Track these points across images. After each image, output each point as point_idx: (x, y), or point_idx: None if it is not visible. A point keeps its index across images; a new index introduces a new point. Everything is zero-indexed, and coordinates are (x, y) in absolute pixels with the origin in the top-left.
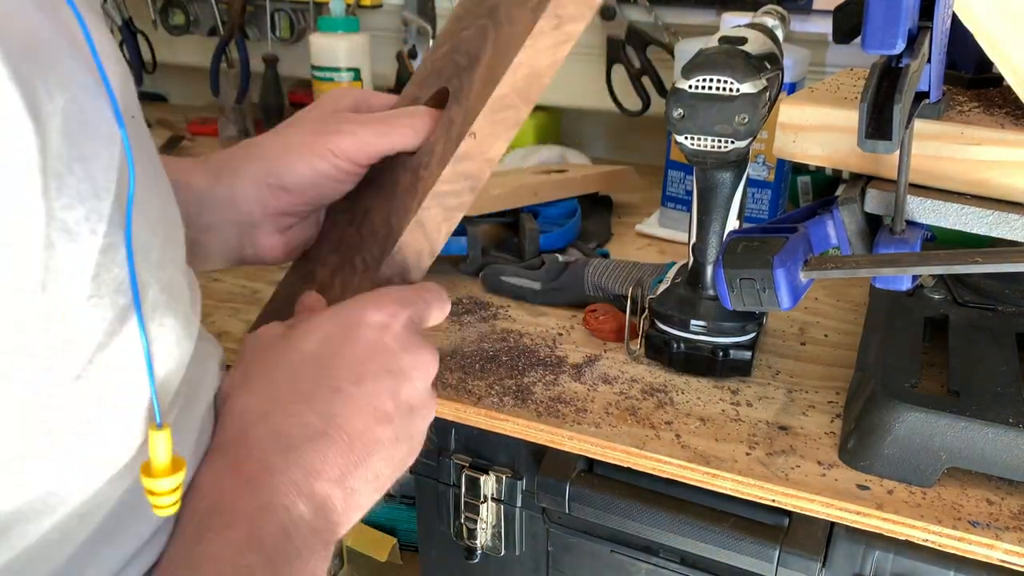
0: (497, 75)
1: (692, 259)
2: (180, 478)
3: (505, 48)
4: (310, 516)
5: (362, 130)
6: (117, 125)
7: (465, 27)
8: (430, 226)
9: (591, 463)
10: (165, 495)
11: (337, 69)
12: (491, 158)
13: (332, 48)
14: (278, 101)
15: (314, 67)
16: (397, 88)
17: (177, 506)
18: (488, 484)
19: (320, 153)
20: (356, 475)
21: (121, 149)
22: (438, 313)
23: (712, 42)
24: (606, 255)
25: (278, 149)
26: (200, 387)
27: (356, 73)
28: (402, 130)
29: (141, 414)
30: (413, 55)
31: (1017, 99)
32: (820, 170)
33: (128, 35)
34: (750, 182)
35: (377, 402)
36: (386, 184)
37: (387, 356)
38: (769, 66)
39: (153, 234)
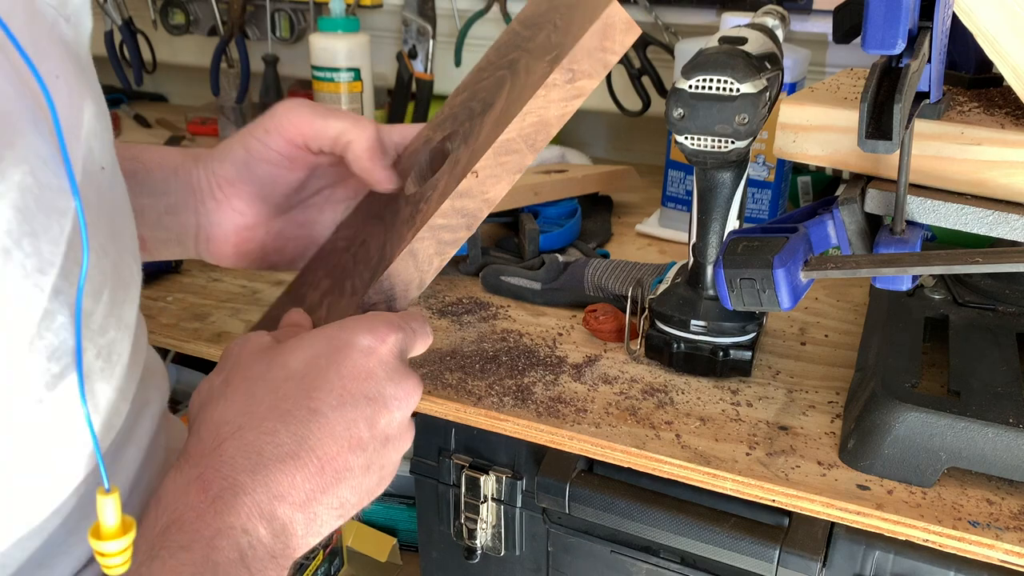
0: (506, 120)
1: (692, 259)
2: (129, 539)
3: (518, 96)
4: (269, 540)
5: (299, 107)
6: (73, 198)
7: (485, 77)
8: (422, 257)
9: (591, 463)
10: (114, 555)
11: (337, 69)
12: (490, 199)
13: (332, 48)
14: (278, 101)
15: (314, 67)
16: (397, 89)
17: (127, 566)
18: (488, 484)
19: (255, 133)
20: (321, 501)
21: (74, 221)
22: (422, 344)
23: (712, 42)
24: (606, 255)
25: (239, 139)
26: (132, 434)
27: (356, 73)
28: (346, 116)
29: (65, 475)
30: (413, 55)
31: (1017, 99)
32: (820, 170)
33: (128, 35)
34: (750, 182)
35: (353, 429)
36: (387, 216)
37: (371, 382)
38: (769, 66)
39: (96, 300)
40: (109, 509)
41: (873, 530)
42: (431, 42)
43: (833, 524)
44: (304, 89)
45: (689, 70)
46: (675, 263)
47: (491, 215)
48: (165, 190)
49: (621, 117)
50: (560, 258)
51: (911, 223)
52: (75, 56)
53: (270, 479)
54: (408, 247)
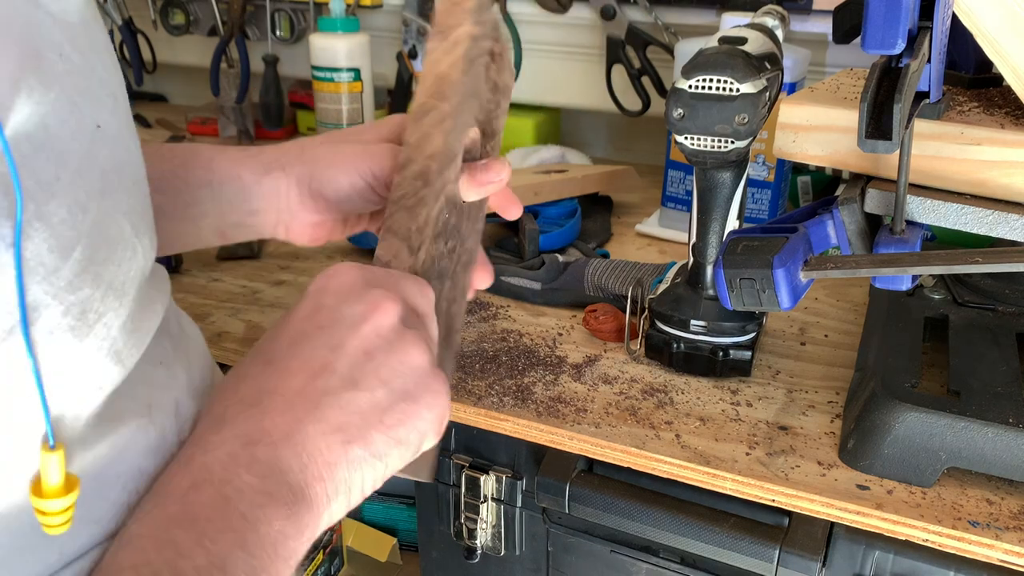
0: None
1: (692, 259)
2: (72, 499)
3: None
4: (258, 482)
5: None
6: None
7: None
8: (398, 228)
9: (591, 463)
10: (55, 515)
11: (337, 69)
12: (432, 153)
13: (332, 48)
14: (278, 101)
15: (314, 67)
16: (397, 89)
17: (68, 526)
18: (488, 484)
19: (361, 172)
20: (306, 431)
21: (1, 163)
22: (413, 288)
23: (712, 42)
24: (606, 255)
25: (327, 159)
26: (160, 415)
27: (356, 73)
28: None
29: (30, 437)
30: (413, 55)
31: (1017, 99)
32: (820, 170)
33: (128, 35)
34: (750, 182)
35: (312, 359)
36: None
37: (321, 313)
38: (769, 66)
39: (63, 256)
40: (53, 466)
41: (873, 530)
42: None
43: (833, 524)
44: (304, 89)
45: (689, 70)
46: (675, 263)
47: (491, 215)
48: (250, 195)
49: (621, 117)
50: (560, 258)
51: (911, 223)
52: (46, 11)
53: (236, 429)
54: (385, 227)
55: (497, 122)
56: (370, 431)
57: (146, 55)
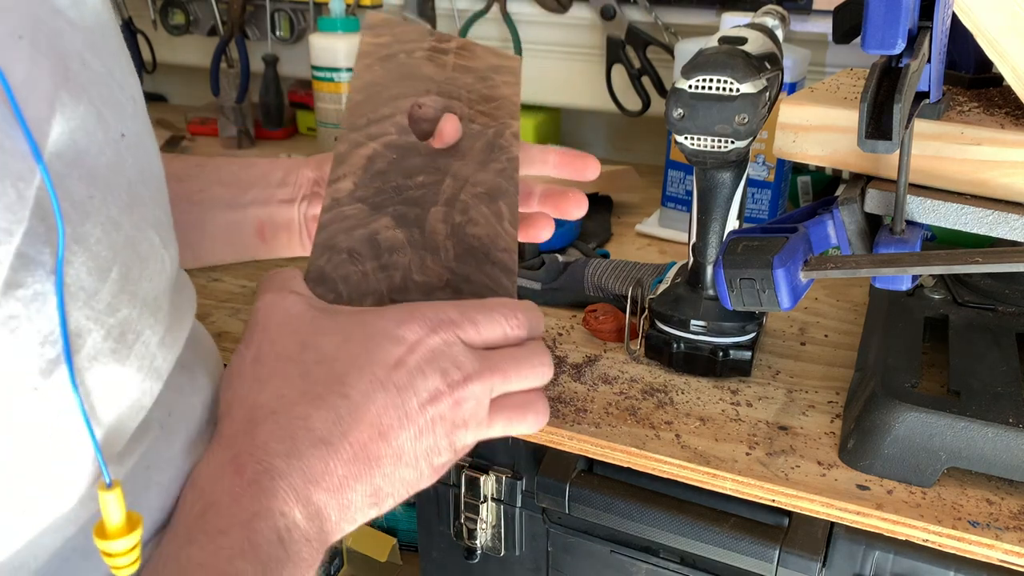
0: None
1: (692, 259)
2: (136, 537)
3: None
4: (304, 524)
5: None
6: (34, 160)
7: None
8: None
9: (591, 463)
10: (122, 555)
11: (337, 69)
12: (344, 114)
13: (332, 48)
14: (278, 101)
15: (314, 67)
16: None
17: (136, 565)
18: (488, 484)
19: None
20: (354, 487)
21: (39, 187)
22: (490, 328)
23: (712, 42)
24: (606, 255)
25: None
26: (181, 421)
27: None
28: None
29: (80, 466)
30: None
31: (1017, 99)
32: (820, 170)
33: (128, 35)
34: (750, 182)
35: (384, 416)
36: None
37: (400, 371)
38: (769, 66)
39: (101, 278)
40: (112, 505)
41: (873, 530)
42: None
43: (833, 524)
44: (304, 89)
45: (689, 70)
46: (675, 263)
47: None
48: (282, 182)
49: (621, 117)
50: (560, 258)
51: (911, 223)
52: (66, 19)
53: (305, 464)
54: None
55: (491, 92)
56: (396, 498)
57: (146, 55)
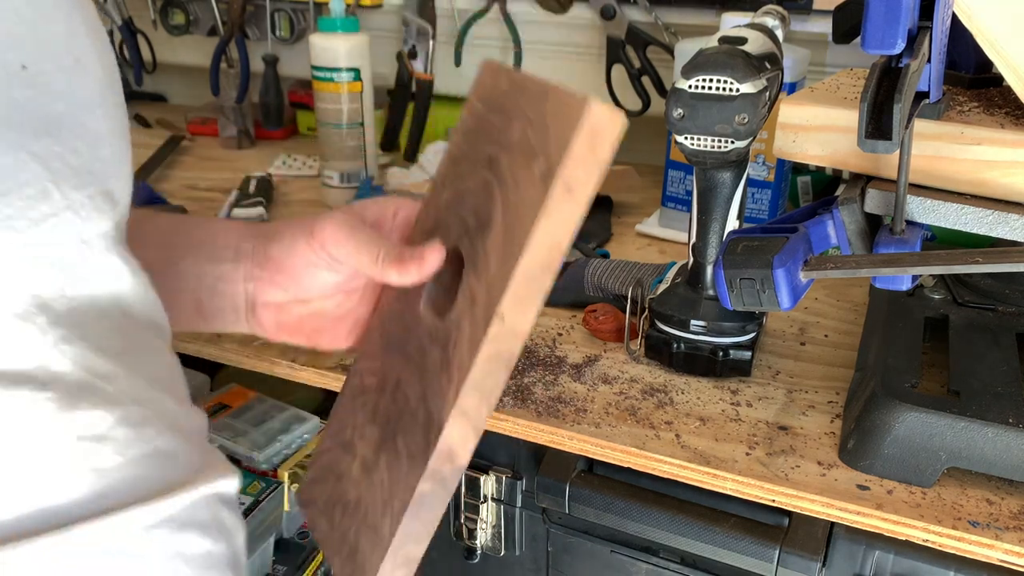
0: (515, 249)
1: (692, 259)
2: None
3: (517, 217)
4: None
5: (341, 225)
6: None
7: (466, 175)
8: (472, 413)
9: (591, 463)
10: None
11: (337, 69)
12: (520, 332)
13: (332, 48)
14: (278, 101)
15: (314, 67)
16: (397, 89)
17: None
18: (488, 484)
19: (304, 229)
20: None
21: None
22: None
23: (712, 42)
24: (606, 255)
25: (288, 221)
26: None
27: (356, 73)
28: (395, 265)
29: None
30: (413, 55)
31: (1017, 99)
32: (820, 170)
33: (128, 35)
34: (750, 182)
35: None
36: (414, 353)
37: None
38: (769, 66)
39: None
40: None
41: (873, 530)
42: (431, 42)
43: (833, 524)
44: (304, 89)
45: (689, 70)
46: (675, 263)
47: None
48: (223, 259)
49: None
50: None
51: (911, 223)
52: None
53: None
54: (455, 408)
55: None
56: None
57: (146, 55)
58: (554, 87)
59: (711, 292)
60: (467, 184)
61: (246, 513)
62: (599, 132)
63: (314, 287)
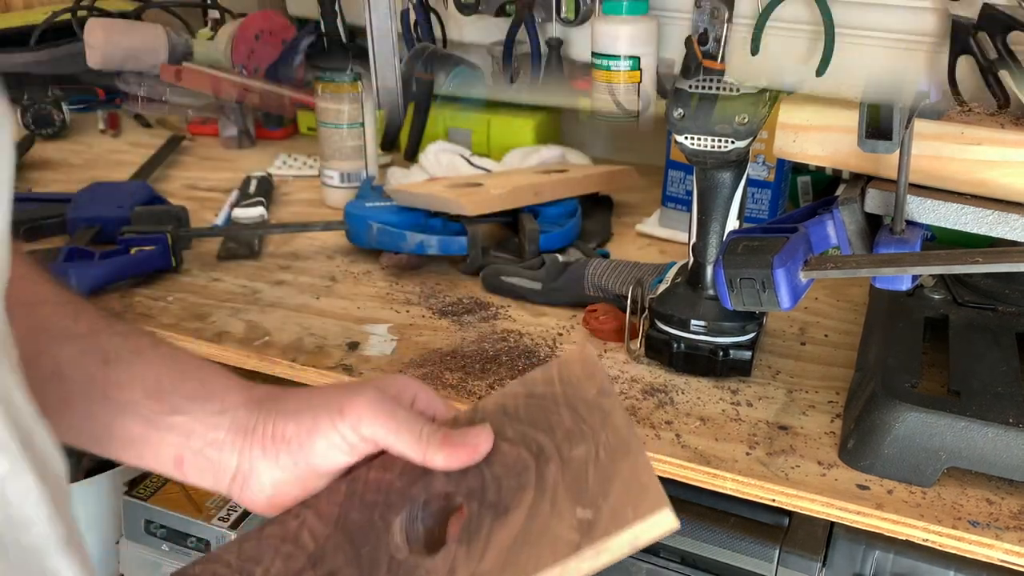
0: (518, 572)
1: (692, 259)
2: None
3: (536, 538)
4: None
5: (380, 407)
6: None
7: (508, 438)
8: None
9: None
10: None
11: (616, 57)
12: None
13: (613, 34)
14: (560, 83)
15: (595, 53)
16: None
17: None
18: None
19: (330, 409)
20: None
21: None
22: None
23: None
24: (606, 255)
25: (303, 393)
26: None
27: (635, 62)
28: (444, 448)
29: None
30: (703, 41)
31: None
32: (820, 170)
33: (422, 13)
34: (750, 182)
35: None
36: (364, 561)
37: None
38: None
39: None
40: None
41: (873, 530)
42: (725, 27)
43: (833, 524)
44: (584, 75)
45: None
46: (675, 263)
47: (491, 215)
48: (217, 425)
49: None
50: (560, 258)
51: (911, 223)
52: None
53: None
54: None
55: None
56: None
57: (437, 33)
58: (636, 448)
59: (711, 292)
60: (504, 449)
61: (245, 513)
62: (657, 527)
63: (323, 465)
